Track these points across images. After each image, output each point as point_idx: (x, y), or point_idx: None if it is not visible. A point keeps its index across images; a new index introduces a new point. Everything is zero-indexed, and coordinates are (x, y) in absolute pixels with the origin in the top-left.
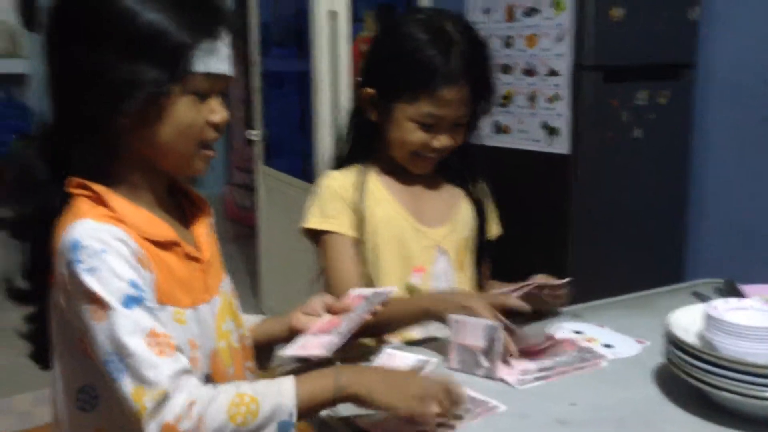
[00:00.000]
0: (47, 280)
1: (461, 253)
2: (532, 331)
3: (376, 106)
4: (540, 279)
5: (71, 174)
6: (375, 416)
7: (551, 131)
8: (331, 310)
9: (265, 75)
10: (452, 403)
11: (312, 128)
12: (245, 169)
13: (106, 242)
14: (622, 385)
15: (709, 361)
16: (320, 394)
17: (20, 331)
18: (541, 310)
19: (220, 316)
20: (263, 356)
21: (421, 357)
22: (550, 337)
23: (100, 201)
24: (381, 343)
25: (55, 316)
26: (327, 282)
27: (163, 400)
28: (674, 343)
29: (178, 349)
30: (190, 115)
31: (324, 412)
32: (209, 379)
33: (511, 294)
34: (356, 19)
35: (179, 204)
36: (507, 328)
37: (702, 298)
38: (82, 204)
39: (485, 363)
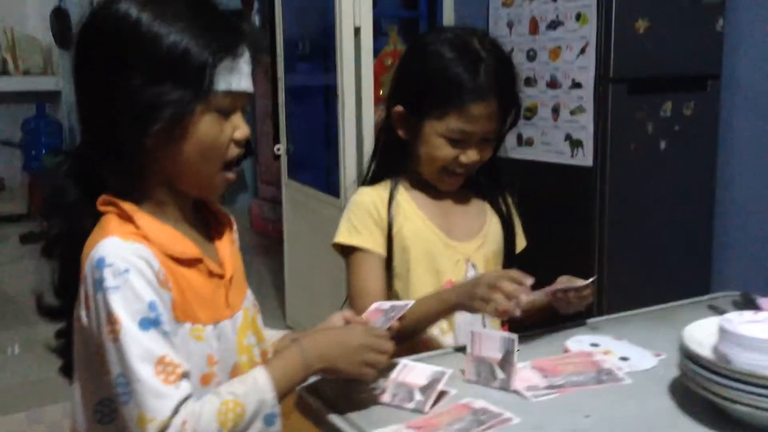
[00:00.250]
0: (76, 296)
1: (490, 266)
2: (549, 342)
3: (406, 123)
4: (563, 280)
5: (102, 192)
6: None
7: (575, 143)
8: (347, 323)
9: (291, 90)
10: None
11: (337, 142)
12: (272, 182)
13: (130, 261)
14: (638, 398)
15: (723, 375)
16: (293, 378)
17: (50, 345)
18: (567, 313)
19: (242, 332)
20: None
21: (438, 369)
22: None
23: (127, 218)
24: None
25: (77, 329)
26: (351, 298)
27: (164, 429)
28: (688, 356)
29: (185, 375)
30: (213, 133)
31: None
32: None
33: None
34: (380, 34)
35: (204, 220)
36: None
37: (718, 311)
38: (111, 221)
39: (501, 375)
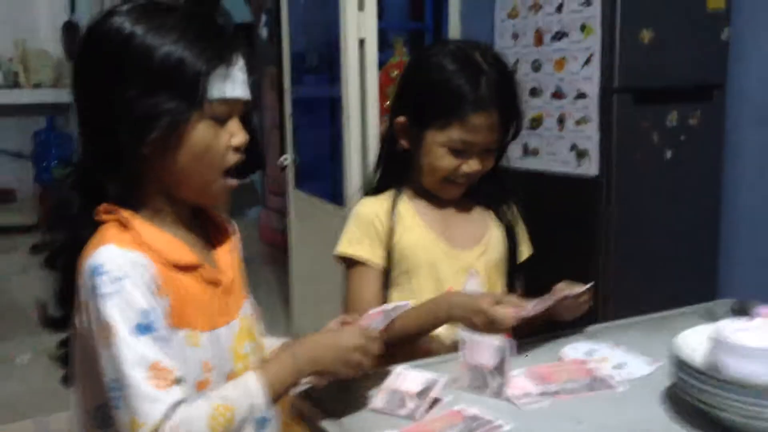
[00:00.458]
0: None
1: (492, 274)
2: (545, 349)
3: (408, 134)
4: (562, 287)
5: (103, 202)
6: None
7: (580, 154)
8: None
9: (298, 101)
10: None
11: (341, 153)
12: (279, 193)
13: (125, 269)
14: (631, 405)
15: (714, 383)
16: (284, 382)
17: (54, 354)
18: (565, 320)
19: (239, 339)
20: None
21: (432, 376)
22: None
23: (125, 226)
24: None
25: (76, 337)
26: (345, 308)
27: None
28: (679, 364)
29: (178, 380)
30: (208, 140)
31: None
32: None
33: (533, 308)
34: (386, 46)
35: (204, 227)
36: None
37: (713, 318)
38: (109, 229)
39: (494, 382)
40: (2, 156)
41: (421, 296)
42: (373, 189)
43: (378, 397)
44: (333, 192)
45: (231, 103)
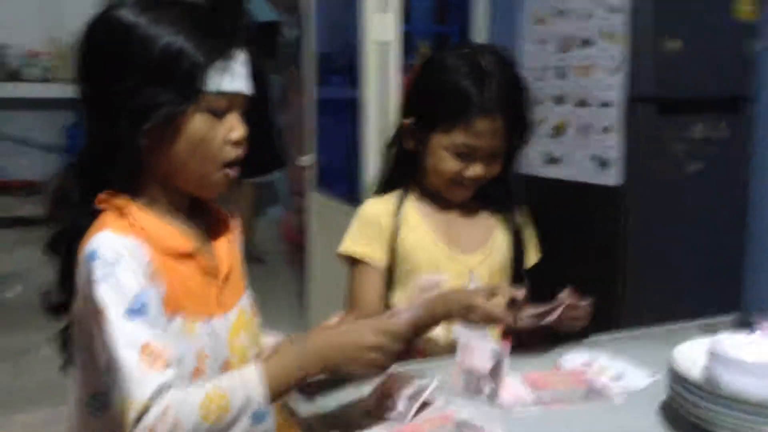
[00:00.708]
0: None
1: (495, 279)
2: (544, 357)
3: (414, 135)
4: (564, 296)
5: (103, 191)
6: None
7: (602, 163)
8: None
9: (320, 102)
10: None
11: (360, 155)
12: (302, 194)
13: (120, 253)
14: (625, 417)
15: (709, 397)
16: (287, 378)
17: (53, 342)
18: (561, 332)
19: (235, 330)
20: None
21: (424, 380)
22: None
23: (123, 213)
24: None
25: (75, 322)
26: (347, 305)
27: (144, 412)
28: (675, 377)
29: (170, 363)
30: (203, 132)
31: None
32: None
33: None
34: (412, 49)
35: (204, 219)
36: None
37: (713, 331)
38: (108, 217)
39: (488, 386)
40: (32, 149)
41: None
42: (380, 189)
43: (369, 398)
44: (351, 194)
45: (230, 96)
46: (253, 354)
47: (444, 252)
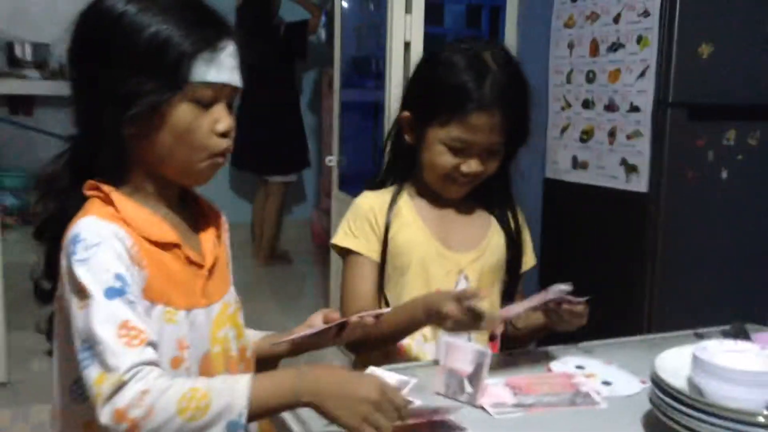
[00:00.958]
0: None
1: (485, 279)
2: (534, 361)
3: (413, 129)
4: (555, 290)
5: (91, 179)
6: None
7: (630, 168)
8: (327, 322)
9: (347, 103)
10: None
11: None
12: (330, 194)
13: (102, 236)
14: (609, 423)
15: (692, 406)
16: (276, 399)
17: (41, 329)
18: (560, 330)
19: (217, 323)
20: (269, 370)
21: (403, 377)
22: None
23: (109, 200)
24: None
25: (57, 308)
26: (342, 299)
27: (120, 387)
28: (657, 383)
29: (150, 344)
30: (187, 121)
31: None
32: None
33: (523, 308)
34: None
35: (192, 211)
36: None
37: (703, 339)
38: (93, 204)
39: (469, 388)
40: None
41: (410, 294)
42: (376, 182)
43: None
44: None
45: (216, 87)
46: (236, 348)
47: (436, 249)
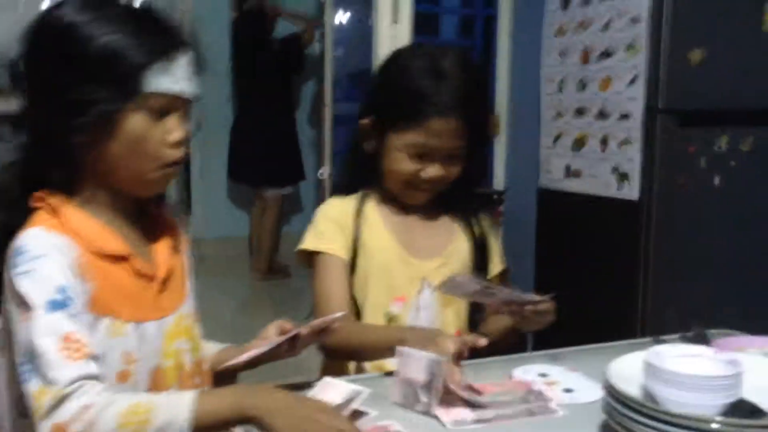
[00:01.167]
0: None
1: None
2: (497, 369)
3: (373, 136)
4: (517, 293)
5: (41, 189)
6: None
7: (622, 176)
8: (282, 333)
9: (342, 117)
10: None
11: None
12: None
13: (45, 248)
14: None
15: (641, 412)
16: (220, 413)
17: None
18: (528, 330)
19: (170, 336)
20: (227, 383)
21: (355, 387)
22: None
23: (56, 212)
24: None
25: (3, 322)
26: (315, 303)
27: (61, 401)
28: (609, 392)
29: (92, 357)
30: (140, 131)
31: None
32: None
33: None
34: None
35: (146, 223)
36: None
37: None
38: (40, 215)
39: (424, 398)
40: None
41: (373, 299)
42: (341, 191)
43: None
44: None
45: (170, 98)
46: (191, 361)
47: (399, 256)
